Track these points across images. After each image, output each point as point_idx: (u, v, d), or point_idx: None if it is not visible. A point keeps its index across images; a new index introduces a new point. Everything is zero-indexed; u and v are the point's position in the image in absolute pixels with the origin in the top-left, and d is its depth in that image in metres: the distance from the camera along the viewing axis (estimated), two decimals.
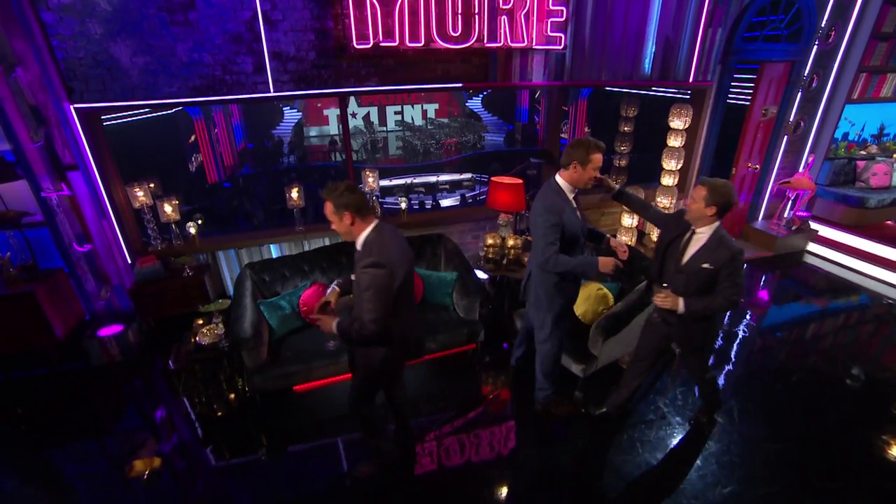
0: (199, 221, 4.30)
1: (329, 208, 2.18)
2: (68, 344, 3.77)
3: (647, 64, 4.53)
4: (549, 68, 4.35)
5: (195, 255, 4.25)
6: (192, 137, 10.23)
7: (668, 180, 4.90)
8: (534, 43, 4.08)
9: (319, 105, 15.45)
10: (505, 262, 4.20)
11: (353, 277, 2.31)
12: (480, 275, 4.13)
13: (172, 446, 3.12)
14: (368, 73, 3.98)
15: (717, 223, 2.48)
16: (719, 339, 4.16)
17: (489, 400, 3.51)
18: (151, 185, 4.10)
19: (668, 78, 4.62)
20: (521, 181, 3.99)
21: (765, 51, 4.81)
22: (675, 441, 3.11)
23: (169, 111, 9.19)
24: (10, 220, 3.46)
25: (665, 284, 2.66)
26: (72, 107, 3.45)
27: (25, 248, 3.66)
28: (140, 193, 3.88)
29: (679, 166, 4.82)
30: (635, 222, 5.05)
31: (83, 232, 3.83)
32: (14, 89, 3.29)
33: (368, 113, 15.87)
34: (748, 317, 4.48)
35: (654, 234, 5.10)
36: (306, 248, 4.49)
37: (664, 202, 4.95)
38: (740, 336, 4.22)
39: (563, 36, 4.14)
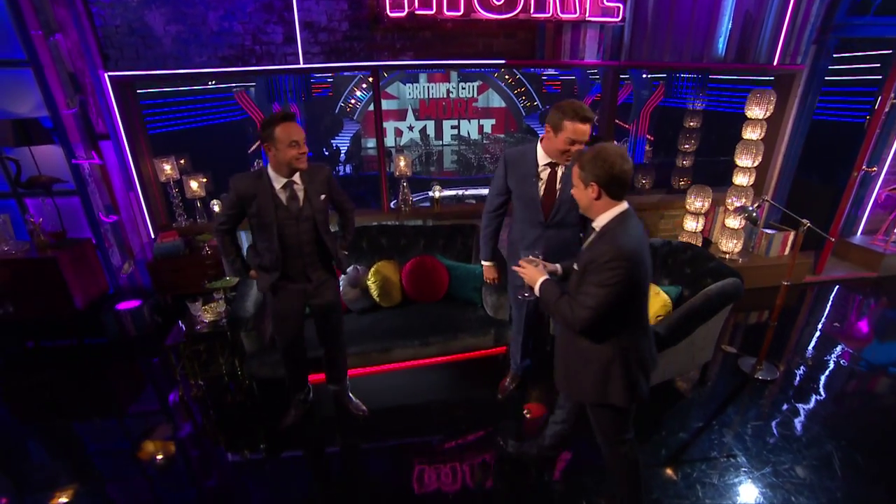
0: None
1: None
2: (88, 316, 3.67)
3: (722, 44, 3.90)
4: (605, 46, 3.85)
5: None
6: (256, 145, 10.58)
7: (741, 179, 4.16)
8: (587, 14, 3.60)
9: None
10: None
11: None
12: None
13: (147, 433, 2.86)
14: (403, 45, 3.68)
15: (617, 209, 1.66)
16: (801, 368, 3.34)
17: (515, 416, 2.95)
18: (181, 161, 4.00)
19: (747, 60, 3.95)
20: None
21: (878, 26, 3.97)
22: (747, 491, 2.39)
23: (237, 115, 9.55)
24: (43, 184, 3.43)
25: (538, 254, 1.89)
26: (106, 74, 3.40)
27: (56, 216, 3.63)
28: (167, 167, 3.78)
29: (756, 163, 4.08)
30: (700, 226, 4.33)
31: (111, 203, 3.76)
32: (55, 56, 3.29)
33: (425, 126, 15.91)
34: (841, 348, 3.59)
35: (724, 242, 4.34)
36: None
37: (739, 205, 4.20)
38: (834, 368, 3.38)
39: (621, 6, 3.64)
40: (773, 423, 2.81)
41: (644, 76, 8.65)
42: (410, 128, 16.13)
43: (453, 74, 15.39)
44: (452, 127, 16.65)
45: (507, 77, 15.36)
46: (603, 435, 1.98)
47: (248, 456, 2.65)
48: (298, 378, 2.78)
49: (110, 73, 3.41)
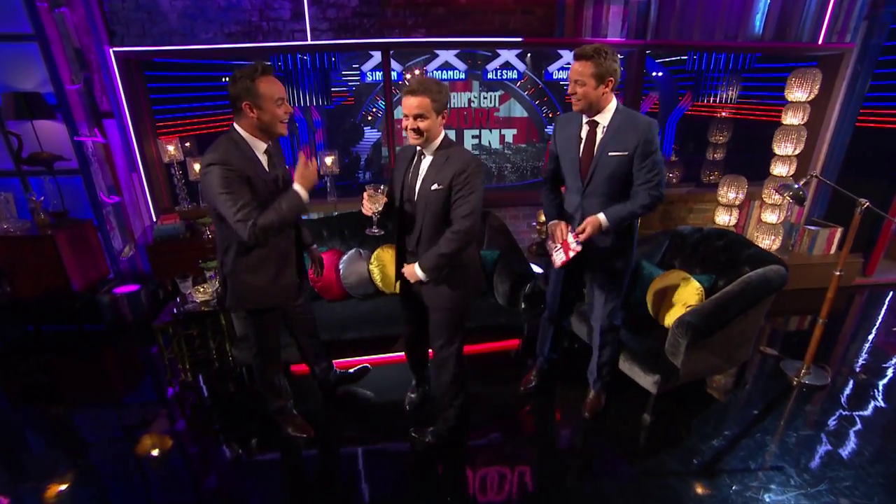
0: None
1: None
2: (84, 299, 3.53)
3: (759, 21, 3.59)
4: (629, 23, 3.58)
5: None
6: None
7: (780, 169, 3.78)
8: None
9: (399, 128, 15.73)
10: None
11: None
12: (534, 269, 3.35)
13: (127, 425, 2.65)
14: (415, 22, 3.50)
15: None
16: (855, 375, 2.92)
17: (530, 416, 2.63)
18: (187, 144, 3.88)
19: (788, 39, 3.62)
20: None
21: None
22: None
23: None
24: (44, 160, 3.34)
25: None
26: (111, 50, 3.32)
27: (58, 195, 3.53)
28: (171, 148, 3.65)
29: (798, 150, 3.71)
30: (733, 221, 3.95)
31: (114, 183, 3.66)
32: (61, 31, 3.23)
33: (445, 135, 15.82)
34: None
35: (760, 239, 3.95)
36: None
37: (777, 199, 3.82)
38: (894, 377, 2.95)
39: None
40: (826, 434, 2.42)
41: (660, 73, 8.24)
42: None
43: (475, 83, 15.38)
44: (473, 136, 16.59)
45: (528, 87, 15.27)
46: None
47: (242, 454, 2.38)
48: (282, 382, 2.36)
49: (116, 49, 3.32)
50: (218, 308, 2.82)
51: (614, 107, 2.01)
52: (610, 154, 2.00)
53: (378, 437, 2.45)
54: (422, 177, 1.92)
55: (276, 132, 1.87)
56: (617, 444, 2.38)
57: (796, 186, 2.49)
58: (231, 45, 3.41)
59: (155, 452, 2.39)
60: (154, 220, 3.80)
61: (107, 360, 3.28)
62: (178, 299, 2.96)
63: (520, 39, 3.60)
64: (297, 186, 1.86)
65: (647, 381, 2.42)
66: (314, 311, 2.48)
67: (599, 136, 2.03)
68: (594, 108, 1.99)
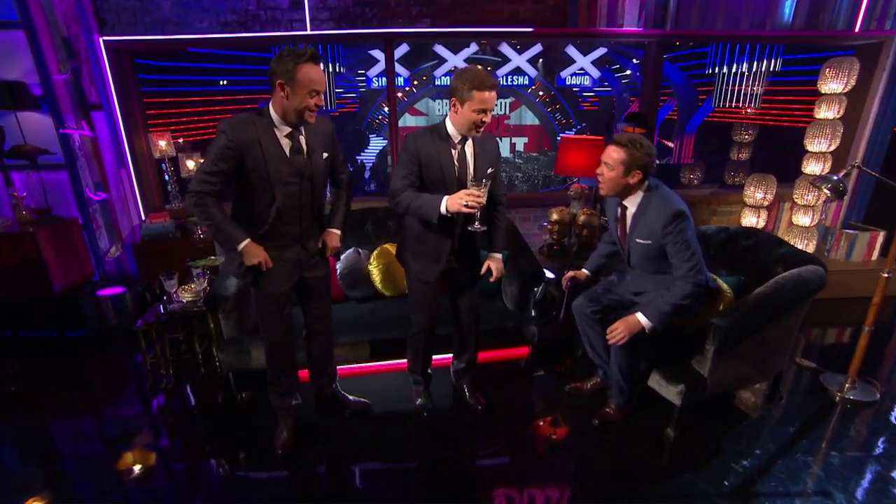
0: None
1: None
2: (66, 301, 3.47)
3: (789, 8, 3.50)
4: (647, 11, 3.51)
5: None
6: None
7: (813, 167, 3.65)
8: None
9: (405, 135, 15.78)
10: (575, 248, 3.25)
11: None
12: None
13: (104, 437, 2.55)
14: (420, 12, 3.47)
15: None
16: None
17: (543, 431, 2.48)
18: (180, 140, 3.86)
19: (821, 27, 3.53)
20: (601, 137, 3.10)
21: None
22: None
23: None
24: (28, 154, 3.32)
25: None
26: (101, 39, 3.31)
27: (41, 191, 3.50)
28: (162, 143, 3.63)
29: (833, 147, 3.58)
30: (761, 223, 3.81)
31: (101, 180, 3.63)
32: (49, 18, 3.23)
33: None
34: None
35: (791, 243, 3.80)
36: None
37: (810, 200, 3.68)
38: None
39: None
40: (877, 456, 2.24)
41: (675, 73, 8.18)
42: None
43: None
44: None
45: (540, 93, 15.28)
46: None
47: (234, 473, 2.24)
48: (288, 380, 2.31)
49: (106, 38, 3.32)
50: (205, 308, 2.73)
51: (642, 195, 2.11)
52: (637, 241, 2.13)
53: (382, 453, 2.33)
54: (471, 161, 2.09)
55: (302, 120, 1.86)
56: (637, 462, 2.23)
57: (835, 178, 2.37)
58: (227, 34, 3.40)
59: (133, 468, 2.26)
60: (143, 218, 3.76)
61: (86, 368, 3.19)
62: (164, 298, 2.89)
63: (530, 30, 3.54)
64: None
65: (671, 391, 2.28)
66: (330, 306, 2.38)
67: (628, 220, 2.17)
68: (618, 194, 2.12)
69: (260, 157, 1.84)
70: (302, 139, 1.93)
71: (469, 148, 2.07)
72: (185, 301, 2.83)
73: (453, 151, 2.06)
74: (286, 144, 1.89)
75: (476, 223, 2.04)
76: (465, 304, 2.38)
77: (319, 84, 1.79)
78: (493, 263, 2.24)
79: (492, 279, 2.26)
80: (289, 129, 1.88)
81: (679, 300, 2.02)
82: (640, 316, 2.07)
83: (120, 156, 3.62)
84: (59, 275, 3.46)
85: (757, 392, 2.72)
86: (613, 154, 2.02)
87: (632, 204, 2.12)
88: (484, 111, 1.91)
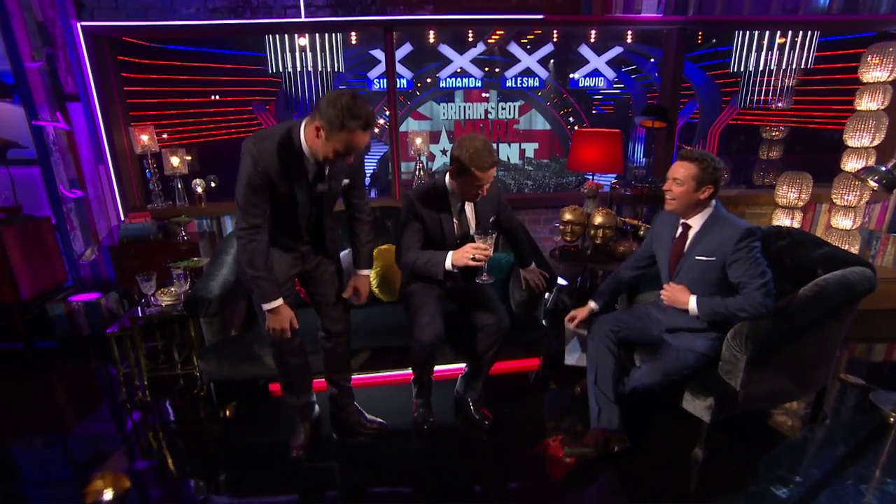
0: (213, 184, 3.92)
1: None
2: (35, 310, 3.41)
3: None
4: None
5: (199, 219, 3.83)
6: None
7: (855, 163, 3.56)
8: None
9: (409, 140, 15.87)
10: (589, 250, 3.15)
11: None
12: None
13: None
14: None
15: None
16: None
17: (555, 450, 2.36)
18: (164, 136, 3.83)
19: (860, 11, 3.47)
20: (617, 130, 3.03)
21: None
22: None
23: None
24: None
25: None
26: (79, 24, 3.30)
27: (10, 188, 3.46)
28: (145, 137, 3.59)
29: (877, 141, 3.49)
30: (795, 226, 3.71)
31: (77, 176, 3.59)
32: (22, 2, 3.23)
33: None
34: None
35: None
36: None
37: (851, 200, 3.58)
38: None
39: None
40: None
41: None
42: (444, 151, 16.20)
43: (492, 93, 15.51)
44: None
45: (552, 96, 15.33)
46: None
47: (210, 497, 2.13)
48: (297, 378, 2.28)
49: (84, 24, 3.31)
50: (185, 312, 2.64)
51: (710, 211, 2.14)
52: (697, 258, 2.13)
53: (377, 475, 2.22)
54: (471, 216, 2.33)
55: (320, 160, 1.88)
56: (662, 486, 2.11)
57: (884, 169, 2.27)
58: (215, 21, 3.38)
59: (103, 494, 2.15)
60: (122, 218, 3.71)
61: (54, 382, 3.11)
62: (142, 301, 2.82)
63: (540, 17, 3.51)
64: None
65: (699, 405, 2.15)
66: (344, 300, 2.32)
67: (690, 238, 2.18)
68: (687, 211, 2.14)
69: (283, 183, 1.88)
70: (326, 166, 1.95)
71: (469, 203, 2.28)
72: (163, 305, 2.75)
73: (453, 209, 2.26)
74: (311, 171, 1.92)
75: (484, 275, 2.20)
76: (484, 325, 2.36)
77: (358, 148, 1.81)
78: (529, 275, 2.52)
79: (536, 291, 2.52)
80: (313, 161, 1.90)
81: (736, 309, 2.02)
82: (692, 299, 2.11)
83: (98, 151, 3.58)
84: (28, 280, 3.39)
85: (793, 413, 2.59)
86: (682, 170, 2.07)
87: (696, 222, 2.16)
88: (481, 185, 2.11)
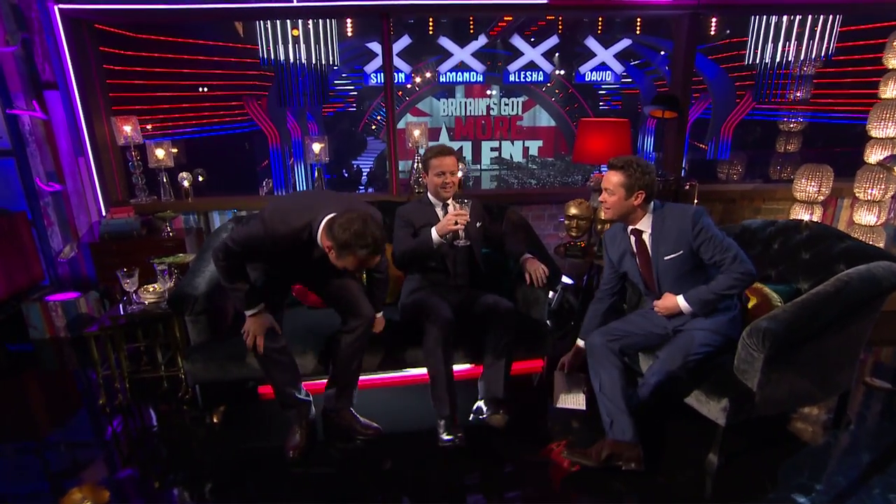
0: (201, 178, 3.90)
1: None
2: (8, 310, 3.39)
3: None
4: None
5: (186, 215, 3.81)
6: (265, 162, 10.77)
7: (879, 155, 3.53)
8: None
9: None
10: (596, 246, 3.13)
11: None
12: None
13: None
14: None
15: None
16: None
17: (563, 459, 2.32)
18: (148, 127, 3.81)
19: None
20: (626, 119, 3.01)
21: None
22: None
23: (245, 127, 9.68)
24: None
25: None
26: (57, 7, 3.28)
27: None
28: (128, 128, 3.56)
29: None
30: (816, 218, 3.68)
31: (55, 169, 3.58)
32: None
33: (461, 147, 15.84)
34: None
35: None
36: None
37: (875, 194, 3.55)
38: None
39: None
40: None
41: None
42: None
43: (495, 89, 15.52)
44: (492, 149, 16.62)
45: (557, 91, 15.34)
46: None
47: None
48: (288, 375, 2.29)
49: (62, 6, 3.29)
50: (170, 310, 2.61)
51: (653, 210, 2.23)
52: (666, 258, 2.18)
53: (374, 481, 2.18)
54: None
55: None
56: (675, 493, 2.07)
57: None
58: (201, 5, 3.37)
59: None
60: (103, 213, 3.69)
61: (28, 387, 3.09)
62: (124, 299, 2.79)
63: (544, 2, 3.49)
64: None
65: (713, 408, 2.11)
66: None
67: (648, 244, 2.24)
68: (625, 218, 2.24)
69: (286, 255, 2.12)
70: None
71: (451, 208, 2.50)
72: (146, 302, 2.72)
73: (438, 214, 2.56)
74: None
75: (461, 240, 2.46)
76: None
77: (368, 266, 2.04)
78: (530, 266, 2.55)
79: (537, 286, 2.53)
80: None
81: (724, 290, 2.10)
82: (680, 300, 2.16)
83: (78, 142, 3.57)
84: (2, 279, 3.38)
85: (814, 417, 2.56)
86: (612, 178, 2.17)
87: (645, 225, 2.23)
88: (443, 173, 2.48)
